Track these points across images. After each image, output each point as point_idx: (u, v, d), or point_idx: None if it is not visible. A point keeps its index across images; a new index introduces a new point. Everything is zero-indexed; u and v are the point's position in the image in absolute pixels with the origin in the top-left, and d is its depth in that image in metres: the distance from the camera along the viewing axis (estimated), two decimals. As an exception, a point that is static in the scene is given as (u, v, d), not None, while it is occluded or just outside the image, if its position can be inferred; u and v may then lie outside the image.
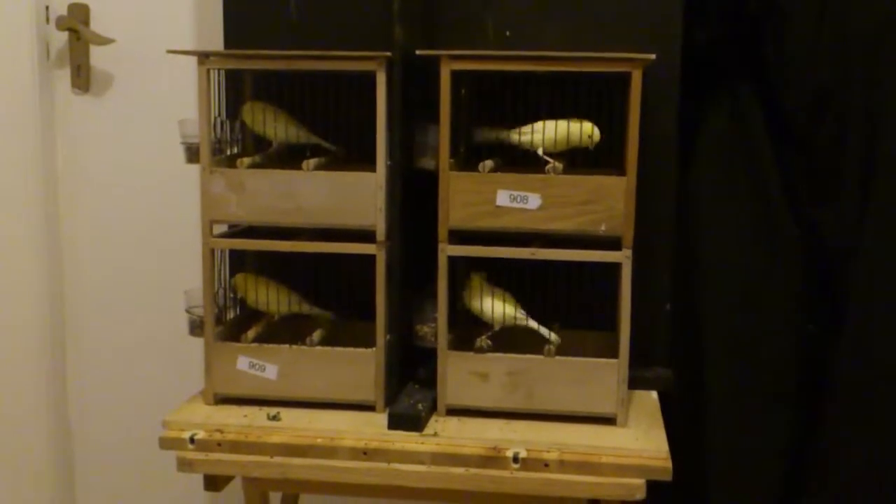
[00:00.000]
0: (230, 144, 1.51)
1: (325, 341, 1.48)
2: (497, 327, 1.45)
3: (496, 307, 1.44)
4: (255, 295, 1.51)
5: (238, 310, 1.57)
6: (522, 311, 1.45)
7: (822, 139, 1.57)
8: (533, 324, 1.44)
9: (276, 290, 1.52)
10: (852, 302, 1.52)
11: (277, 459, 1.36)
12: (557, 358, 1.40)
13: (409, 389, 1.48)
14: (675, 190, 1.55)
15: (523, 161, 1.44)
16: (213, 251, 1.45)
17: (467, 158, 1.47)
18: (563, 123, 1.41)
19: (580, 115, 1.43)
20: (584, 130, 1.41)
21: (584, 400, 1.40)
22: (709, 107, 1.67)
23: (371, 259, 1.41)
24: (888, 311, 1.51)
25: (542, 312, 1.46)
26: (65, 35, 2.00)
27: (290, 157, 1.49)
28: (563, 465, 1.32)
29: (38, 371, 2.07)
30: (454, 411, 1.43)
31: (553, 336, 1.42)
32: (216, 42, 1.62)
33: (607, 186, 1.36)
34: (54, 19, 1.99)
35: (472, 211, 1.38)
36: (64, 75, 2.03)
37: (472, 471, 1.33)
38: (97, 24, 1.99)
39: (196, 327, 1.54)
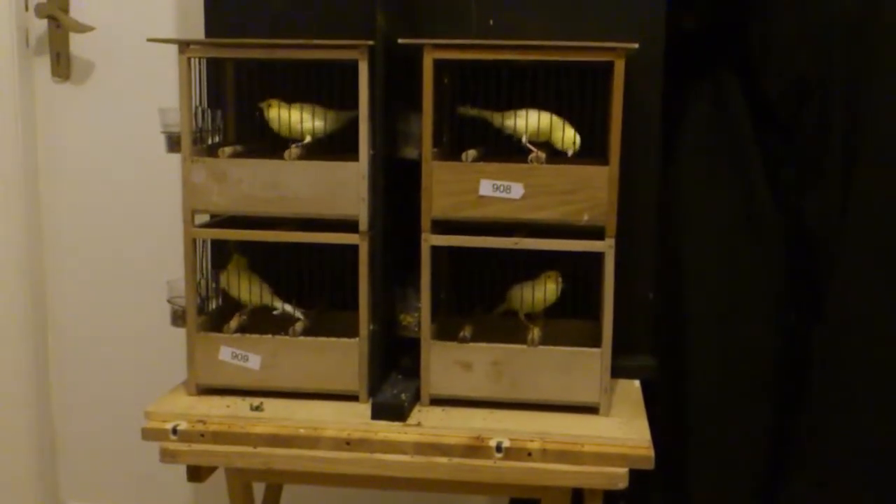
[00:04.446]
0: (211, 133, 1.50)
1: (307, 331, 1.47)
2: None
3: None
4: (237, 285, 1.50)
5: (220, 300, 1.56)
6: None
7: (805, 127, 1.57)
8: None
9: (257, 283, 1.51)
10: (833, 288, 1.53)
11: (260, 450, 1.36)
12: (541, 347, 1.40)
13: (393, 379, 1.48)
14: (658, 178, 1.55)
15: (507, 150, 1.44)
16: (194, 241, 1.44)
17: (451, 147, 1.47)
18: (546, 115, 1.41)
19: (563, 103, 1.43)
20: (567, 137, 1.40)
21: (568, 389, 1.40)
22: (692, 94, 1.67)
23: (354, 249, 1.40)
24: (868, 298, 1.51)
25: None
26: (44, 23, 1.99)
27: (272, 147, 1.48)
28: (545, 455, 1.32)
29: (19, 362, 2.06)
30: (438, 401, 1.43)
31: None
32: (197, 31, 1.61)
33: (590, 176, 1.36)
34: (34, 7, 1.97)
35: (454, 200, 1.37)
36: (44, 63, 2.01)
37: (456, 460, 1.33)
38: (77, 12, 1.97)
39: (178, 318, 1.53)
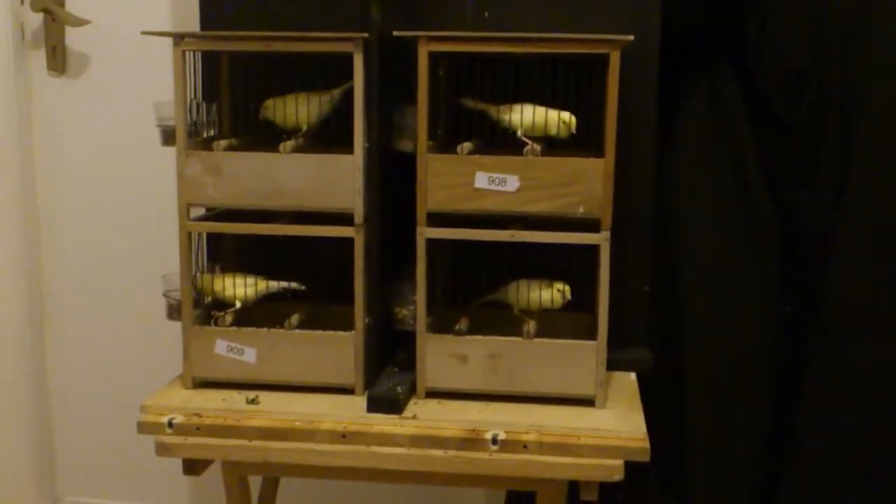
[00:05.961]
0: (206, 127, 1.50)
1: (303, 324, 1.47)
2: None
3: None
4: (223, 288, 1.50)
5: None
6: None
7: (801, 122, 1.57)
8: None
9: (242, 279, 1.50)
10: (828, 284, 1.53)
11: (256, 443, 1.36)
12: (536, 340, 1.40)
13: (389, 372, 1.48)
14: (653, 172, 1.55)
15: (502, 143, 1.44)
16: (190, 234, 1.44)
17: (446, 140, 1.46)
18: (541, 109, 1.40)
19: (559, 96, 1.43)
20: (561, 118, 1.40)
21: (563, 382, 1.40)
22: (688, 89, 1.67)
23: (349, 242, 1.40)
24: (863, 294, 1.52)
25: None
26: (40, 16, 1.98)
27: (267, 140, 1.48)
28: (541, 447, 1.32)
29: (15, 356, 2.06)
30: (433, 394, 1.43)
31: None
32: (192, 24, 1.60)
33: (585, 168, 1.35)
34: (29, 1, 1.97)
35: (450, 193, 1.37)
36: (39, 57, 2.01)
37: (451, 453, 1.34)
38: (72, 5, 1.97)
39: (174, 311, 1.53)
